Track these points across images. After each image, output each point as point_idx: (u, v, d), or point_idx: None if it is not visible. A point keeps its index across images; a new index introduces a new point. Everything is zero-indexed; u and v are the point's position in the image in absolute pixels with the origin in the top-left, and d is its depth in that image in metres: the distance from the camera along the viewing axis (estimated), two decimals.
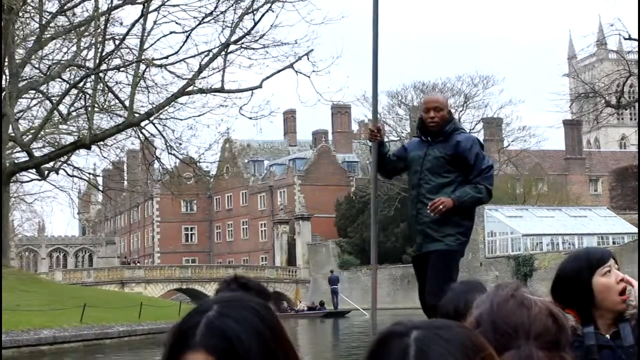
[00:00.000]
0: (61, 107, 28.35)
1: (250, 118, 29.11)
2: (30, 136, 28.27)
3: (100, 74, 25.64)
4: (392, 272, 76.87)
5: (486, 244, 67.93)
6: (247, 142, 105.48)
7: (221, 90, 26.99)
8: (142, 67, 25.85)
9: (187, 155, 33.44)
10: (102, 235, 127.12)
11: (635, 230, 65.23)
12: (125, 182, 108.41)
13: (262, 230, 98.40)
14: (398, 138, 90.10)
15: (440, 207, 7.08)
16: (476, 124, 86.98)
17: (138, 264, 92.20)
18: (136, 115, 25.73)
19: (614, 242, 63.63)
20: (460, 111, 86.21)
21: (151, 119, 30.62)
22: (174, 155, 31.96)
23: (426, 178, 7.35)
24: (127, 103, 26.29)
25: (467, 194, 7.20)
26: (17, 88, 25.55)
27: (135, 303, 30.20)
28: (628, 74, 31.41)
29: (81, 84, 27.25)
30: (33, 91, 27.82)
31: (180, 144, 30.51)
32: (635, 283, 3.39)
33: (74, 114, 29.42)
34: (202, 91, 27.28)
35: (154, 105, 26.63)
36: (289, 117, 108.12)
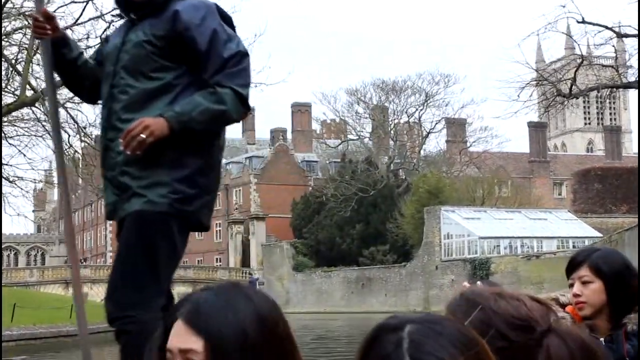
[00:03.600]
0: None
1: None
2: None
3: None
4: (346, 275, 74.29)
5: (442, 247, 65.41)
6: None
7: None
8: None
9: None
10: (56, 233, 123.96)
11: (597, 234, 63.26)
12: (80, 179, 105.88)
13: (217, 230, 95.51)
14: (357, 138, 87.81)
15: (142, 136, 3.79)
16: (436, 123, 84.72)
17: (84, 263, 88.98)
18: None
19: (574, 246, 61.26)
20: (421, 110, 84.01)
21: (64, 103, 27.83)
22: (86, 142, 29.20)
23: (122, 83, 4.04)
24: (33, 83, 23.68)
25: (195, 106, 3.90)
26: None
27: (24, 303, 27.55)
28: (580, 60, 29.11)
29: None
30: None
31: (85, 127, 27.60)
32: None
33: None
34: None
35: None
36: (247, 115, 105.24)
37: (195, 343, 1.67)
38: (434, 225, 65.77)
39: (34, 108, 26.13)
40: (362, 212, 76.19)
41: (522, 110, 29.87)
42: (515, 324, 1.94)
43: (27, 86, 24.03)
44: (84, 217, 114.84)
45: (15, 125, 28.93)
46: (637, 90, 31.89)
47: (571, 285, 3.41)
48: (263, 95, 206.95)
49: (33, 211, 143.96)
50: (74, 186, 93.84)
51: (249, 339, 1.67)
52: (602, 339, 3.29)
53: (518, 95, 29.46)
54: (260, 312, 1.70)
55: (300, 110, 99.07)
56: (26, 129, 29.28)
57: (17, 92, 26.32)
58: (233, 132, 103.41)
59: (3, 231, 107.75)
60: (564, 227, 66.42)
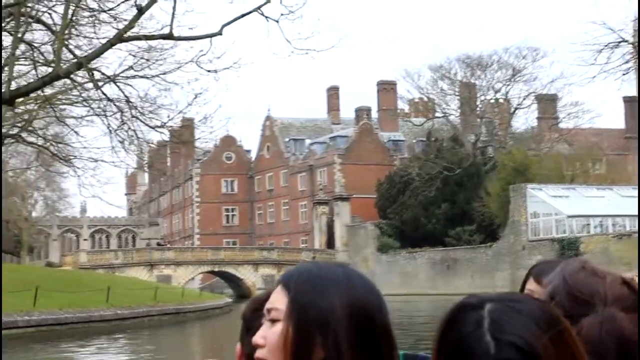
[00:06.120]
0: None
1: (209, 71, 25.10)
2: None
3: (24, 17, 21.78)
4: (431, 256, 72.42)
5: (529, 226, 62.84)
6: (288, 120, 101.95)
7: (169, 36, 22.97)
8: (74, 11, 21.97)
9: (160, 121, 29.27)
10: (146, 216, 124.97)
11: None
12: (169, 161, 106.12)
13: (302, 212, 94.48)
14: (443, 115, 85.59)
15: None
16: (524, 99, 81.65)
17: (168, 246, 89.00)
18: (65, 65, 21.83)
19: None
20: (508, 85, 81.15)
21: (114, 78, 26.82)
22: (138, 119, 28.05)
23: None
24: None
25: None
26: None
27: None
28: None
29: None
30: None
31: (135, 105, 26.42)
32: None
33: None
34: (145, 37, 23.29)
35: (87, 53, 22.84)
36: (332, 94, 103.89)
37: (280, 301, 1.73)
38: (520, 203, 63.30)
39: (76, 84, 25.09)
40: (447, 192, 74.15)
41: (599, 75, 27.66)
42: (576, 297, 1.94)
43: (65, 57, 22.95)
44: (172, 199, 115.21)
45: (64, 103, 27.95)
46: None
47: None
48: (348, 74, 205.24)
49: (125, 194, 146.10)
50: (164, 168, 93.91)
51: (335, 316, 1.66)
52: None
53: (595, 59, 27.24)
54: (356, 295, 1.69)
55: (386, 89, 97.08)
56: (70, 100, 28.29)
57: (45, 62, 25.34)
58: (318, 112, 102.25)
59: (96, 214, 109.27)
60: None
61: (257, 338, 1.75)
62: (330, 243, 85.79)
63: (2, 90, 21.39)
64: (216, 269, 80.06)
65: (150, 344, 27.21)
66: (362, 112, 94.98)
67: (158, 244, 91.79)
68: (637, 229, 55.92)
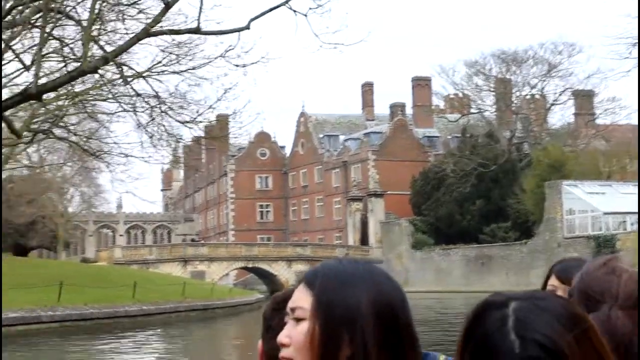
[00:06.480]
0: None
1: (237, 66, 25.05)
2: None
3: (52, 13, 21.79)
4: (465, 253, 71.91)
5: (564, 223, 62.20)
6: (323, 117, 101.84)
7: (196, 31, 22.88)
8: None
9: (191, 118, 29.21)
10: (181, 212, 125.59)
11: None
12: (204, 157, 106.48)
13: (336, 208, 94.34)
14: (478, 111, 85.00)
15: None
16: (560, 94, 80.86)
17: (202, 242, 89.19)
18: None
19: None
20: (544, 81, 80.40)
21: (144, 74, 26.85)
22: (167, 114, 28.03)
23: None
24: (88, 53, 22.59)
25: None
26: None
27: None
28: None
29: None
30: None
31: (162, 100, 26.37)
32: None
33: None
34: (172, 32, 23.24)
35: (114, 49, 22.82)
36: (367, 90, 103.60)
37: (304, 300, 1.72)
38: (555, 200, 62.69)
39: (105, 80, 25.11)
40: (482, 188, 73.63)
41: (634, 69, 27.14)
42: (587, 294, 1.97)
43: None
44: (207, 195, 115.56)
45: (95, 99, 28.01)
46: None
47: None
48: (382, 70, 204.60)
49: (161, 190, 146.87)
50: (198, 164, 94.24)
51: (361, 313, 1.66)
52: None
53: (629, 53, 26.76)
54: (381, 292, 1.69)
55: (420, 84, 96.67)
56: (101, 96, 28.33)
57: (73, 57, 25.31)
58: (352, 108, 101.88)
59: (132, 210, 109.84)
60: None
61: (282, 337, 1.73)
62: (364, 240, 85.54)
63: (29, 85, 21.46)
64: (250, 265, 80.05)
65: (164, 342, 27.11)
66: (396, 108, 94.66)
67: (192, 240, 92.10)
68: (637, 227, 55.35)
